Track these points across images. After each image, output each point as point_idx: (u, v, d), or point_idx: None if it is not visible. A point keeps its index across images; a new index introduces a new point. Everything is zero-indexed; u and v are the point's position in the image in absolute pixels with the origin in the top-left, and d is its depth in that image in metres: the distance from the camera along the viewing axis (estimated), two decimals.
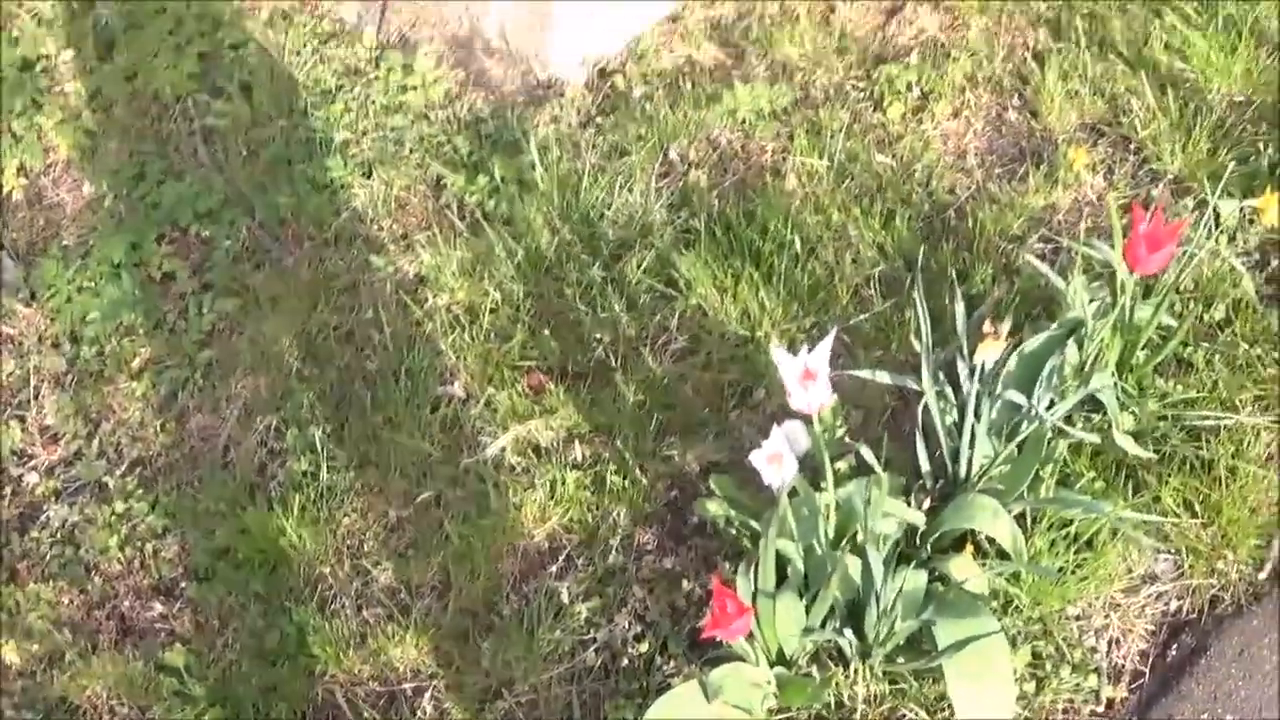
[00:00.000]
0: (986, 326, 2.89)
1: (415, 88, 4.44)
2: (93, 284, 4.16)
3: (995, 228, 3.81)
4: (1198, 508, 3.29)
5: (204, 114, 4.53)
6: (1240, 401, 3.43)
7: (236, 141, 4.45)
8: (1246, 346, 3.52)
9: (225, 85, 4.59)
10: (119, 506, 3.73)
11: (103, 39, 4.78)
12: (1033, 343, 3.27)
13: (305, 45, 4.67)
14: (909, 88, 4.21)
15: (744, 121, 4.17)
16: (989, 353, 2.91)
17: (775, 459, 2.69)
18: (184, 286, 4.14)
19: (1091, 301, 3.33)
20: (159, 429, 3.89)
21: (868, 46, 4.37)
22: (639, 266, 3.84)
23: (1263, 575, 3.25)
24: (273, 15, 4.79)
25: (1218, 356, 3.51)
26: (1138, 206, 3.03)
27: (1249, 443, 3.36)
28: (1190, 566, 3.25)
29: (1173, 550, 3.27)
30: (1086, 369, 3.25)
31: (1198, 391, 3.44)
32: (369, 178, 4.26)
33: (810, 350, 2.66)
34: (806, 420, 2.82)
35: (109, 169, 4.47)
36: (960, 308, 3.23)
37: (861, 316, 3.67)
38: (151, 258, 4.20)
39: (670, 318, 3.75)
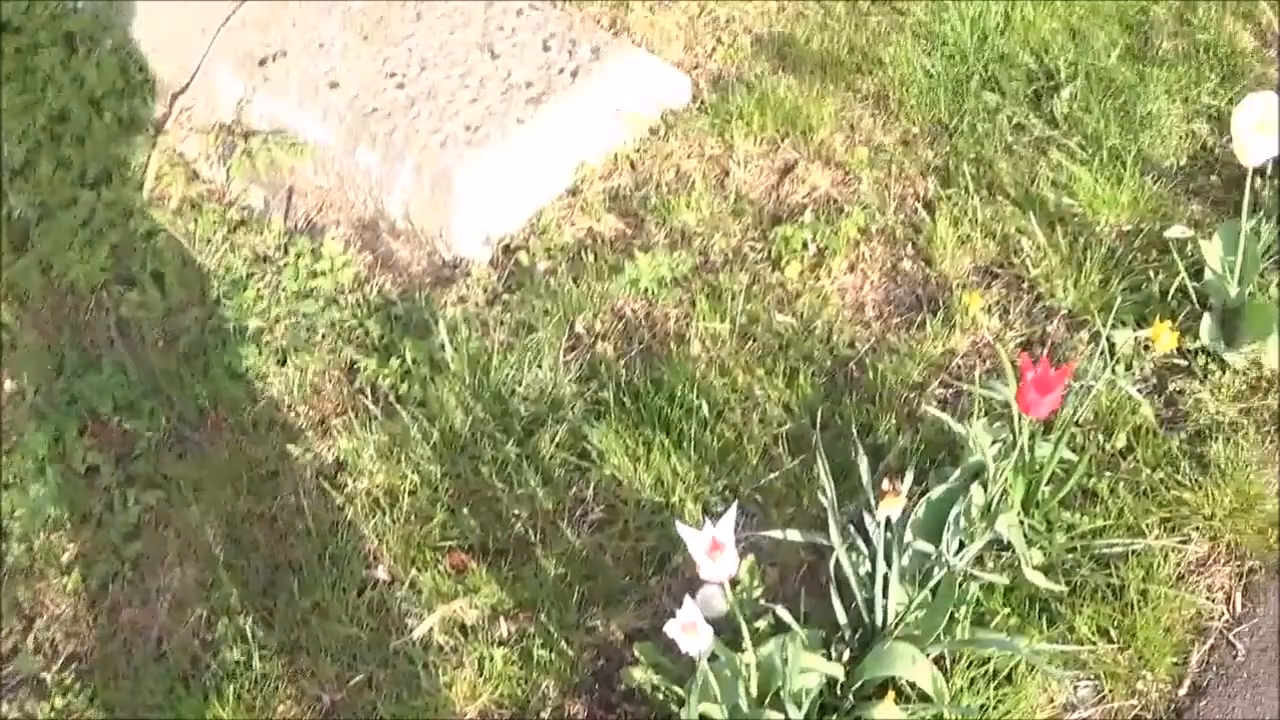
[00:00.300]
0: (885, 484, 2.96)
1: (324, 273, 4.49)
2: (18, 480, 4.16)
3: (896, 377, 3.89)
4: (1113, 633, 3.37)
5: (119, 305, 4.56)
6: (1147, 526, 3.52)
7: (152, 332, 4.48)
8: (1149, 471, 3.63)
9: (138, 275, 4.63)
10: (58, 702, 3.71)
11: (16, 231, 4.83)
12: (938, 490, 3.34)
13: (215, 233, 4.71)
14: (805, 246, 4.27)
15: (647, 290, 4.23)
16: (892, 508, 2.98)
17: (689, 628, 2.77)
18: (108, 479, 4.14)
19: (993, 443, 3.41)
20: (92, 623, 3.88)
21: (763, 207, 4.45)
22: (552, 441, 3.88)
23: (1182, 691, 3.32)
24: (182, 204, 4.84)
25: (1121, 484, 3.60)
26: (1025, 355, 3.13)
27: (1158, 565, 3.45)
28: (1110, 690, 3.31)
29: (1092, 676, 3.33)
30: (993, 510, 3.32)
31: (1104, 520, 3.53)
32: (284, 365, 4.29)
33: (714, 523, 2.74)
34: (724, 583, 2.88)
35: (28, 362, 4.49)
36: (864, 463, 3.31)
37: (772, 475, 3.72)
38: (75, 451, 4.20)
39: (586, 489, 3.79)
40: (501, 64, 4.72)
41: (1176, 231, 4.00)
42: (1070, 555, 3.46)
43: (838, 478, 3.32)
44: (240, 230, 4.74)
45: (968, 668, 3.28)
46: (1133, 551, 3.46)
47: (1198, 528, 3.54)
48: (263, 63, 4.91)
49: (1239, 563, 3.51)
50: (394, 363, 4.16)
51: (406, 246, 4.56)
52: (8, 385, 4.48)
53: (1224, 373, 3.83)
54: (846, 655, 3.24)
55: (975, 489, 3.34)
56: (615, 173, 4.64)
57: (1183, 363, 3.86)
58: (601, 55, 4.73)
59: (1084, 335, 3.95)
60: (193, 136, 4.99)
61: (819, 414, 3.71)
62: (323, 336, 4.35)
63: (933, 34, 4.82)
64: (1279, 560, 3.50)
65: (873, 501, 3.15)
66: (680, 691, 3.17)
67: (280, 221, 4.72)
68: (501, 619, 3.60)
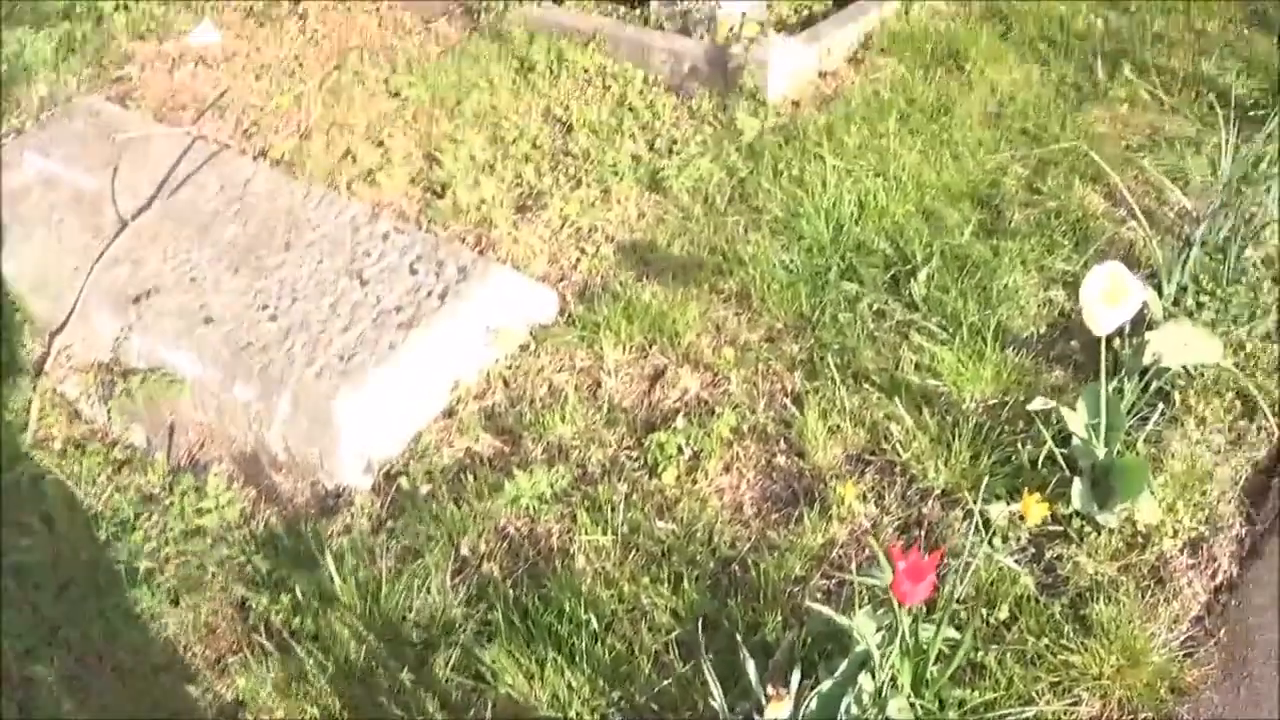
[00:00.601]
0: (770, 690, 3.02)
1: (210, 510, 4.51)
2: None
3: (779, 573, 3.92)
4: None
5: (11, 550, 4.55)
6: (1037, 692, 3.56)
7: (45, 576, 4.47)
8: (1034, 639, 3.67)
9: (28, 521, 4.63)
10: None
11: None
12: (827, 683, 3.37)
13: (100, 474, 4.75)
14: (680, 450, 4.33)
15: (528, 507, 4.25)
16: (778, 712, 3.04)
17: None
18: None
19: (878, 630, 3.46)
20: None
21: (636, 415, 4.52)
22: (447, 664, 3.88)
23: None
24: (66, 445, 4.87)
25: (1008, 655, 3.65)
26: (897, 544, 3.21)
27: None
28: None
29: None
30: (883, 696, 3.37)
31: (995, 692, 3.56)
32: (177, 605, 4.29)
33: None
34: None
35: None
36: (751, 665, 3.34)
37: (665, 682, 3.72)
38: None
39: (484, 710, 3.77)
40: (371, 290, 4.81)
41: (1039, 404, 4.08)
42: None
43: (732, 677, 3.36)
44: (125, 470, 4.77)
45: None
46: (1024, 719, 3.50)
47: (1088, 688, 3.59)
48: (137, 300, 4.97)
49: (1131, 717, 3.56)
50: (285, 598, 4.16)
51: (289, 478, 4.60)
52: None
53: (1099, 534, 3.90)
54: None
55: (864, 677, 3.38)
56: (489, 391, 4.71)
57: (1058, 528, 3.93)
58: (468, 275, 4.82)
59: (959, 512, 4.02)
60: (73, 376, 5.03)
61: (705, 618, 3.76)
62: (213, 575, 4.35)
63: (790, 229, 4.96)
64: (1171, 710, 3.57)
65: (763, 702, 3.21)
66: None
67: (164, 459, 4.75)
68: None
